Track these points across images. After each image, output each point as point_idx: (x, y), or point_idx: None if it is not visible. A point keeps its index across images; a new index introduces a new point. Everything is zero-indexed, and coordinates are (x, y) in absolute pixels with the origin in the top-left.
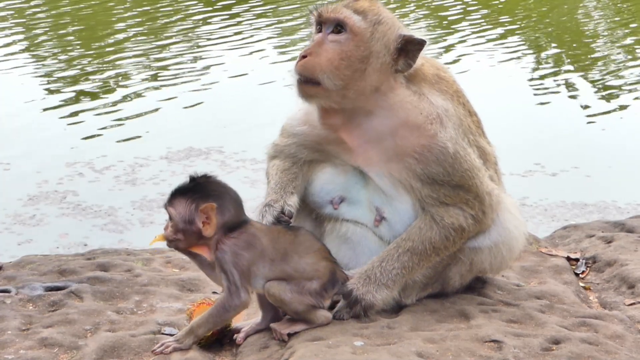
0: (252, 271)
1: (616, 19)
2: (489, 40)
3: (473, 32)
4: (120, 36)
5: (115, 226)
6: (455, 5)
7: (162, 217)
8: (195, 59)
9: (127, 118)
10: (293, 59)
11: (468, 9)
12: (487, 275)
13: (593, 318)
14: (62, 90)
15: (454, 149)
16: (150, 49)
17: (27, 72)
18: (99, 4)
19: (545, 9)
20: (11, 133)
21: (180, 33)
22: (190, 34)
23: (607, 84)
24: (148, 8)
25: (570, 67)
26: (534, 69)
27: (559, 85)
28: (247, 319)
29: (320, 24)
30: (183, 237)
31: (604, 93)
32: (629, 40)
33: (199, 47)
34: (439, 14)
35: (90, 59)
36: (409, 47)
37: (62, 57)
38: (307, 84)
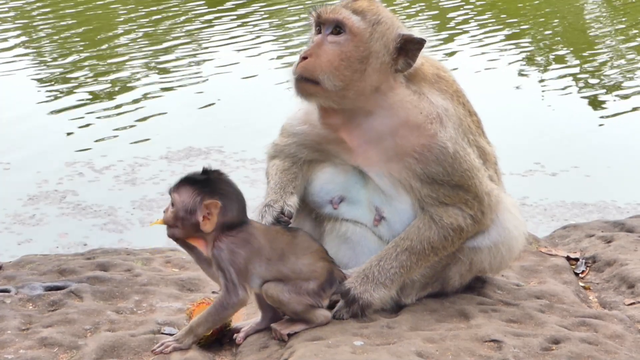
0: (249, 270)
1: (617, 18)
2: (489, 40)
3: (473, 32)
4: (121, 36)
5: (115, 226)
6: (455, 5)
7: (161, 217)
8: (195, 59)
9: (127, 118)
10: (293, 53)
11: (467, 8)
12: (486, 274)
13: (593, 318)
14: (62, 90)
15: (454, 148)
16: (150, 49)
17: (27, 72)
18: (102, 4)
19: (548, 10)
20: (11, 133)
21: (180, 33)
22: (190, 34)
23: (607, 84)
24: (143, 7)
25: (571, 67)
26: (534, 69)
27: (559, 85)
28: (247, 318)
29: (320, 25)
30: (181, 226)
31: (604, 93)
32: (629, 40)
33: (199, 47)
34: (438, 13)
35: (90, 59)
36: (409, 47)
37: (63, 57)
38: (306, 82)
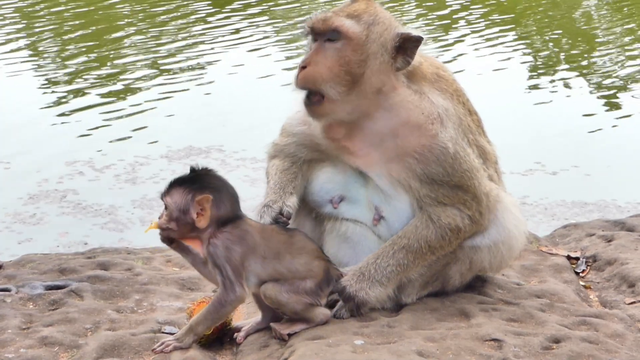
0: (245, 267)
1: (617, 18)
2: (489, 40)
3: (473, 32)
4: (121, 35)
5: (115, 225)
6: (455, 5)
7: (155, 221)
8: (195, 58)
9: (127, 117)
10: (294, 54)
11: (469, 9)
12: (487, 274)
13: (593, 317)
14: (62, 89)
15: (454, 149)
16: (150, 48)
17: (27, 71)
18: (104, 5)
19: (550, 10)
20: (11, 132)
21: (181, 32)
22: (191, 33)
23: (607, 83)
24: (147, 6)
25: (571, 67)
26: (535, 69)
27: (559, 84)
28: (248, 318)
29: (315, 33)
30: (176, 227)
31: (604, 92)
32: (631, 40)
33: (199, 45)
34: (439, 13)
35: (91, 59)
36: (407, 45)
37: (63, 56)
38: (315, 105)
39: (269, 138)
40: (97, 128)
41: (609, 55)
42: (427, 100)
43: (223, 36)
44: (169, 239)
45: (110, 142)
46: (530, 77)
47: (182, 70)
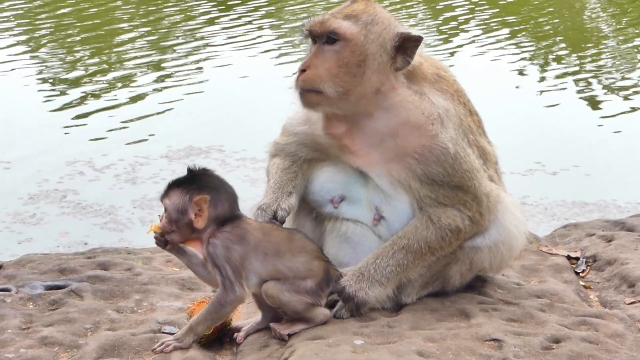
0: (245, 266)
1: (618, 19)
2: (489, 40)
3: (473, 32)
4: (122, 36)
5: (115, 225)
6: (456, 5)
7: (155, 224)
8: (195, 58)
9: (127, 117)
10: (294, 53)
11: (468, 8)
12: (487, 274)
13: (593, 317)
14: (62, 90)
15: (455, 149)
16: (151, 49)
17: (27, 72)
18: (103, 3)
19: (549, 9)
20: (12, 132)
21: (182, 32)
22: (191, 34)
23: (608, 83)
24: (147, 7)
25: (571, 67)
26: (535, 69)
27: (559, 84)
28: (248, 318)
29: (314, 36)
30: (176, 229)
31: (604, 92)
32: (629, 40)
33: (199, 46)
34: (441, 14)
35: (91, 59)
36: (407, 44)
37: (63, 57)
38: (309, 93)
39: (269, 138)
40: (97, 128)
41: (609, 55)
42: (428, 101)
43: (224, 37)
44: (164, 242)
45: (111, 142)
46: (531, 78)
47: (182, 69)
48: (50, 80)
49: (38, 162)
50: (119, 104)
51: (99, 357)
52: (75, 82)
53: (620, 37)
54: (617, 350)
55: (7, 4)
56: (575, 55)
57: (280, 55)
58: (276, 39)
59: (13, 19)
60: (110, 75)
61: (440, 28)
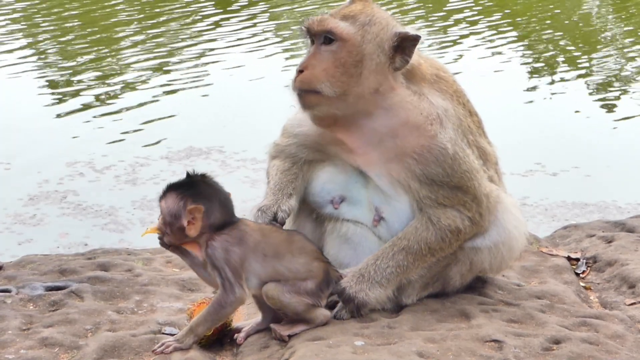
0: (245, 268)
1: (618, 20)
2: (490, 41)
3: (474, 33)
4: (122, 36)
5: (115, 226)
6: (457, 6)
7: (154, 225)
8: (196, 59)
9: (127, 118)
10: (295, 54)
11: (471, 10)
12: (487, 275)
13: (593, 318)
14: (63, 90)
15: (454, 150)
16: (151, 49)
17: (28, 72)
18: (105, 6)
19: (549, 10)
20: (12, 132)
21: (182, 35)
22: (191, 34)
23: (608, 84)
24: (148, 7)
25: (571, 68)
26: (535, 70)
27: (560, 85)
28: (248, 319)
29: (312, 36)
30: (170, 232)
31: (604, 93)
32: (632, 41)
33: (199, 46)
34: (440, 14)
35: (91, 60)
36: (405, 44)
37: (64, 57)
38: (308, 93)
39: (269, 139)
40: (97, 129)
41: (610, 56)
42: (427, 101)
43: (224, 37)
44: (167, 243)
45: (111, 143)
46: (531, 78)
47: (182, 71)
48: (51, 81)
49: (38, 163)
50: (119, 105)
51: (99, 358)
52: (76, 83)
53: (623, 38)
54: (618, 351)
55: (10, 7)
56: (576, 56)
57: (281, 56)
58: (277, 40)
59: (14, 21)
60: (111, 77)
61: (443, 30)
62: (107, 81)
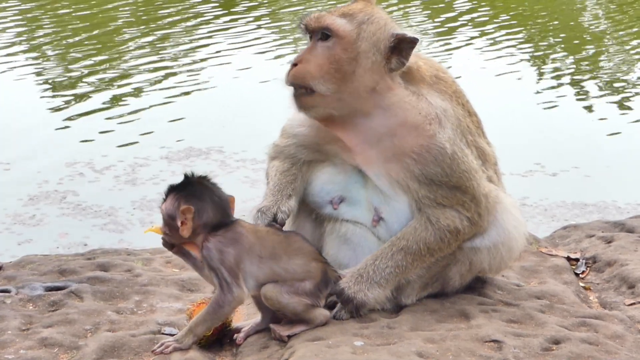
0: (241, 269)
1: (620, 21)
2: (490, 42)
3: (474, 33)
4: (122, 37)
5: (115, 226)
6: (458, 7)
7: (157, 225)
8: (196, 59)
9: (127, 118)
10: (294, 54)
11: (469, 10)
12: (487, 275)
13: (593, 318)
14: (62, 91)
15: (452, 149)
16: (151, 50)
17: (28, 73)
18: (106, 7)
19: (550, 11)
20: (12, 133)
21: (181, 33)
22: (190, 34)
23: (607, 84)
24: (147, 8)
25: (571, 68)
26: (535, 70)
27: (559, 85)
28: (247, 319)
29: (310, 33)
30: (169, 232)
31: (604, 94)
32: (630, 42)
33: (199, 48)
34: (443, 15)
35: (91, 60)
36: (402, 46)
37: (63, 57)
38: (303, 95)
39: (269, 139)
40: (97, 129)
41: (610, 57)
42: (425, 101)
43: (224, 38)
44: (170, 244)
45: (110, 143)
46: (531, 79)
47: (181, 72)
48: (51, 81)
49: (38, 163)
50: (119, 105)
51: (98, 358)
52: (76, 83)
53: (620, 39)
54: (617, 352)
55: (7, 3)
56: (575, 56)
57: (281, 56)
58: (277, 39)
59: (13, 19)
60: (111, 77)
61: (440, 29)
62: (107, 82)
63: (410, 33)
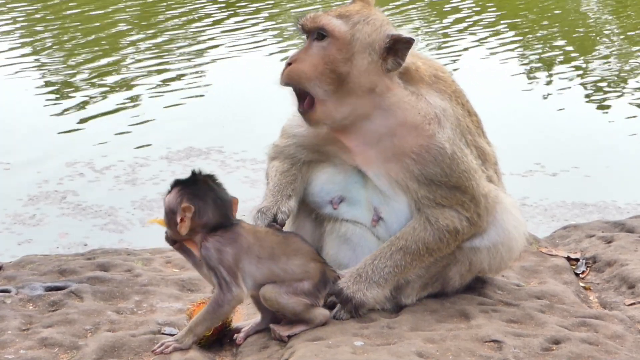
0: (240, 268)
1: (618, 21)
2: (490, 41)
3: (474, 33)
4: (122, 37)
5: (115, 226)
6: (457, 5)
7: (161, 217)
8: (196, 60)
9: (127, 118)
10: (295, 49)
11: (470, 10)
12: (487, 275)
13: (593, 318)
14: (63, 91)
15: (452, 149)
16: (151, 50)
17: (28, 74)
18: (104, 6)
19: (549, 11)
20: (11, 133)
21: (181, 34)
22: (192, 36)
23: (607, 84)
24: (146, 9)
25: (571, 68)
26: (535, 70)
27: (559, 85)
28: (247, 319)
29: (306, 33)
30: (169, 226)
31: (604, 93)
32: (631, 41)
33: (200, 48)
34: (442, 15)
35: (91, 60)
36: (398, 46)
37: (64, 59)
38: (307, 111)
39: (269, 139)
40: (97, 129)
41: (610, 57)
42: (424, 101)
43: (224, 37)
44: (172, 239)
45: (110, 143)
46: (531, 79)
47: (182, 71)
48: (51, 82)
49: (38, 163)
50: (118, 106)
51: (98, 358)
52: (76, 84)
53: (622, 38)
54: (617, 352)
55: (9, 6)
56: (575, 56)
57: (281, 57)
58: (277, 40)
59: (15, 22)
60: (110, 77)
61: (444, 30)
62: (106, 81)
63: (405, 34)
